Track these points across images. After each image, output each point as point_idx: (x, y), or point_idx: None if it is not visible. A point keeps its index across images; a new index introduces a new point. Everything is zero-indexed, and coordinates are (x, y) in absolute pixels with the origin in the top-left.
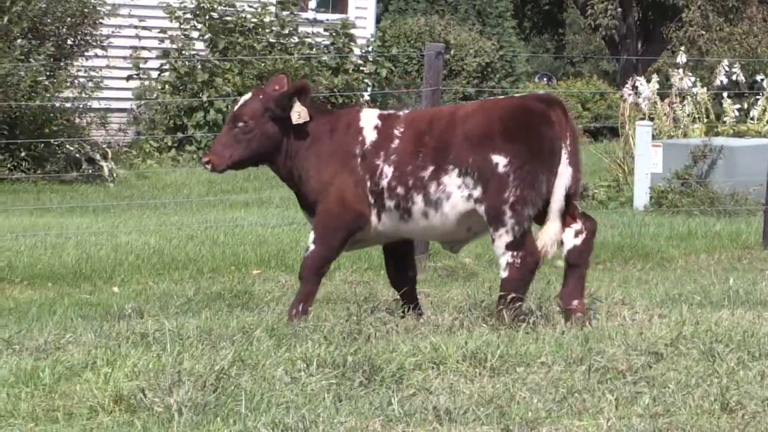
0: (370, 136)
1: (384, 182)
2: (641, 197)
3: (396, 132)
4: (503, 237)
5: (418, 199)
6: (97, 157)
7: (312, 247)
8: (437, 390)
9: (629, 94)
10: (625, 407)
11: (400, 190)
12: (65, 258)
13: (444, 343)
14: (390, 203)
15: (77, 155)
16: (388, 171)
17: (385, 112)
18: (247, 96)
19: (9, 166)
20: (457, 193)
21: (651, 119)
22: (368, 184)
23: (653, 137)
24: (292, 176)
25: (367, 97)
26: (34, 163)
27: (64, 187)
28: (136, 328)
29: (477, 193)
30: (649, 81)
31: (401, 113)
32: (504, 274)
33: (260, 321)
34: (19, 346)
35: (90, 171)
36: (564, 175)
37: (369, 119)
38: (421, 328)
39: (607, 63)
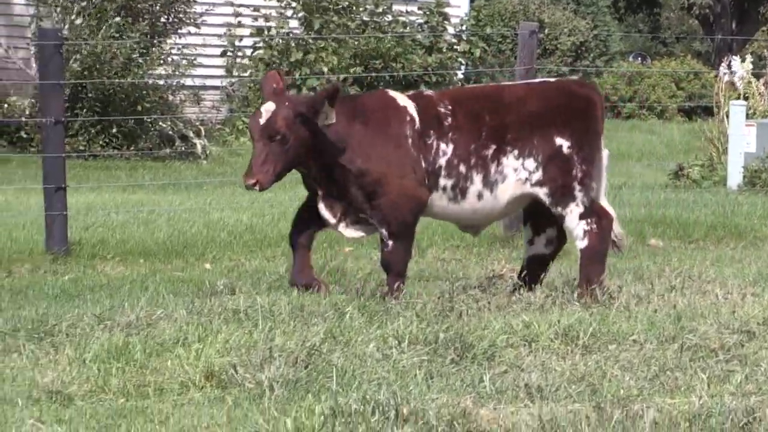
0: (416, 115)
1: (442, 161)
2: (735, 176)
3: (444, 110)
4: (575, 211)
5: (477, 179)
6: (190, 134)
7: (390, 243)
8: (529, 367)
9: (724, 74)
10: (717, 385)
11: (461, 168)
12: (157, 234)
13: (536, 320)
14: (446, 182)
15: (170, 132)
16: (447, 149)
17: (413, 92)
18: (271, 106)
19: (102, 143)
20: (512, 176)
21: (745, 99)
22: (424, 164)
23: (747, 116)
24: (330, 174)
25: (460, 76)
26: (126, 140)
27: (157, 164)
28: (227, 305)
29: (537, 176)
30: (743, 60)
31: (430, 92)
32: (583, 243)
33: (352, 298)
34: (111, 322)
35: (183, 148)
36: (605, 155)
37: (406, 99)
38: (513, 306)
39: (701, 43)
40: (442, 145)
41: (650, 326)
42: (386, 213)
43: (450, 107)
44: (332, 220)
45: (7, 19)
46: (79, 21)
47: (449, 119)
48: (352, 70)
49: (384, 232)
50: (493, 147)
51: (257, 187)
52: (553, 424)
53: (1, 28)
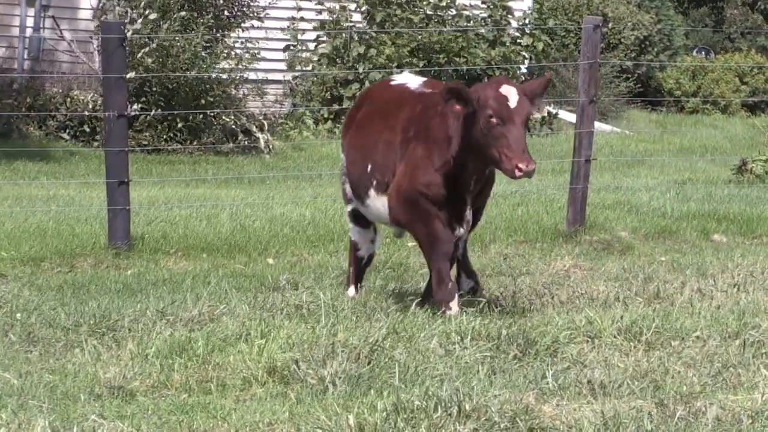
0: None
1: None
2: None
3: None
4: None
5: None
6: (253, 128)
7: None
8: (591, 363)
9: None
10: None
11: None
12: (220, 229)
13: (599, 316)
14: None
15: (233, 126)
16: None
17: None
18: (511, 89)
19: (165, 137)
20: None
21: None
22: None
23: None
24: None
25: (524, 70)
26: (190, 134)
27: (220, 158)
28: (290, 300)
29: None
30: None
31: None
32: None
33: (415, 293)
34: (173, 317)
35: (246, 142)
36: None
37: None
38: (576, 302)
39: (765, 37)
40: None
41: (713, 322)
42: (482, 215)
43: None
44: (464, 228)
45: (71, 12)
46: (152, 16)
47: None
48: (412, 63)
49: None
50: None
51: (534, 173)
52: (616, 421)
53: (66, 22)
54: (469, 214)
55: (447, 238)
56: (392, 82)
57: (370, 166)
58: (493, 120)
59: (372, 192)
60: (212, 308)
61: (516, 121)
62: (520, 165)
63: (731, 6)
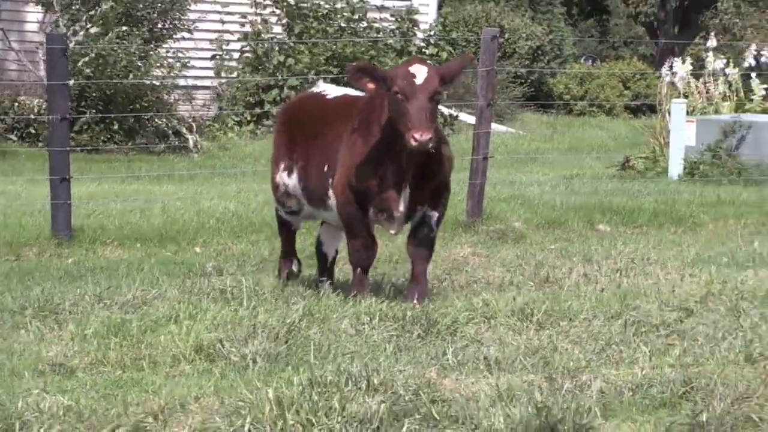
0: None
1: None
2: (676, 168)
3: None
4: None
5: None
6: (183, 130)
7: (436, 231)
8: (488, 342)
9: (666, 75)
10: (658, 358)
11: None
12: (152, 221)
13: (494, 299)
14: None
15: (165, 128)
16: None
17: None
18: (422, 67)
19: (103, 138)
20: None
21: (686, 97)
22: None
23: (687, 113)
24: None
25: None
26: (125, 136)
27: (153, 157)
28: (215, 285)
29: None
30: (684, 63)
31: None
32: None
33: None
34: (109, 300)
35: (176, 143)
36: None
37: None
38: (474, 286)
39: (646, 47)
40: None
41: (598, 304)
42: (444, 204)
43: None
44: (400, 210)
45: (18, 25)
46: (94, 30)
47: None
48: (328, 70)
49: (436, 216)
50: None
51: (431, 143)
52: (509, 393)
53: (15, 34)
54: (401, 205)
55: (367, 254)
56: (321, 93)
57: (326, 167)
58: (399, 96)
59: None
60: (145, 293)
61: (419, 97)
62: (415, 134)
63: (616, 18)
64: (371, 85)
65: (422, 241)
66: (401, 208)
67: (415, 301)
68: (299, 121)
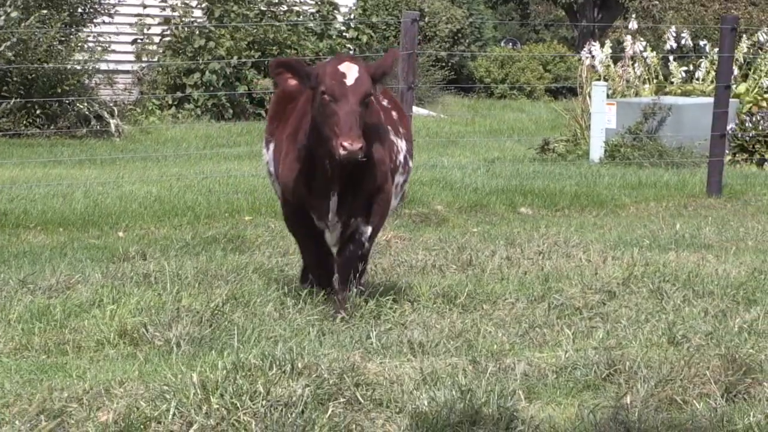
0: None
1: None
2: (597, 150)
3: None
4: None
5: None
6: (105, 114)
7: (368, 246)
8: (411, 325)
9: (586, 58)
10: (582, 340)
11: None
12: (75, 205)
13: (418, 282)
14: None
15: (87, 113)
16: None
17: None
18: (353, 66)
19: (25, 122)
20: None
21: (606, 80)
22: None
23: (608, 96)
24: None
25: None
26: (47, 120)
27: (75, 142)
28: (139, 269)
29: None
30: (603, 46)
31: None
32: None
33: (251, 262)
34: (33, 285)
35: (98, 127)
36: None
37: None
38: (398, 269)
39: (567, 30)
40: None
41: (521, 287)
42: (381, 213)
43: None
44: (334, 220)
45: None
46: (14, 14)
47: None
48: (249, 55)
49: (369, 232)
50: None
51: (361, 153)
52: (434, 376)
53: None
54: (332, 205)
55: (318, 272)
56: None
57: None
58: (326, 97)
59: None
60: (68, 277)
61: (349, 99)
62: (344, 143)
63: (535, 1)
64: (293, 82)
65: (348, 261)
66: (330, 217)
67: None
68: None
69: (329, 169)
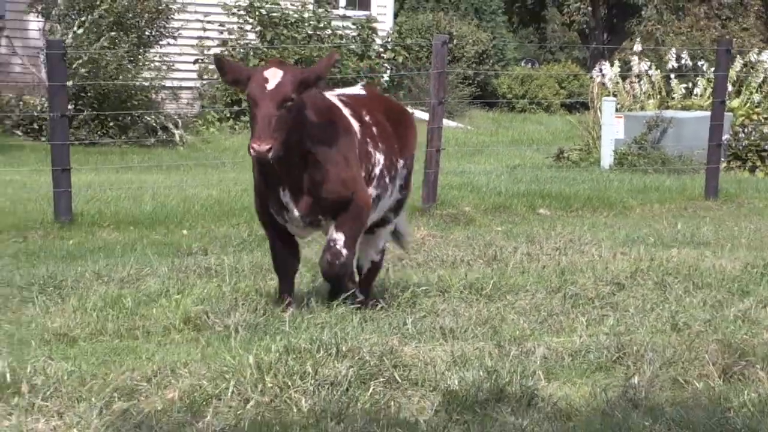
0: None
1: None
2: (607, 158)
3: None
4: None
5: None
6: (170, 125)
7: (345, 252)
8: (443, 313)
9: (597, 76)
10: (594, 327)
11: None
12: (144, 207)
13: (448, 275)
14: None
15: (154, 124)
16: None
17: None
18: (277, 71)
19: (99, 132)
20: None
21: (615, 96)
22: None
23: (616, 110)
24: (305, 165)
25: (386, 78)
26: (119, 131)
27: (143, 150)
28: (201, 263)
29: None
30: (612, 65)
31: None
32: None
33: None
34: (107, 277)
35: (164, 137)
36: None
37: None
38: (430, 263)
39: (579, 51)
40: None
41: (540, 279)
42: (352, 220)
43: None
44: (295, 213)
45: (21, 33)
46: (80, 31)
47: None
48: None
49: (342, 239)
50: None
51: (271, 153)
52: (463, 359)
53: (18, 40)
54: (286, 200)
55: (276, 261)
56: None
57: None
58: (249, 101)
59: None
60: (138, 270)
61: (265, 103)
62: (253, 144)
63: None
64: (229, 77)
65: (326, 270)
66: (294, 212)
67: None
68: None
69: (276, 166)
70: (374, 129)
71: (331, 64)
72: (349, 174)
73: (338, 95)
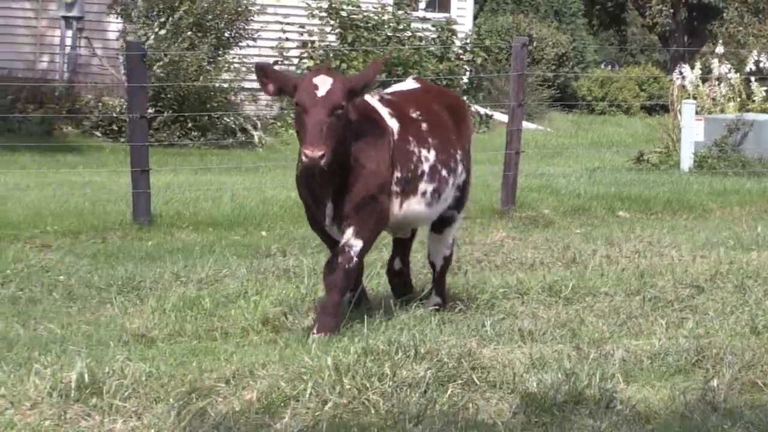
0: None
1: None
2: (686, 161)
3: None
4: None
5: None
6: (249, 127)
7: (356, 260)
8: (521, 315)
9: (677, 78)
10: (673, 330)
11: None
12: (223, 208)
13: (527, 277)
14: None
15: (233, 126)
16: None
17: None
18: (326, 78)
19: (178, 134)
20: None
21: (694, 98)
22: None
23: (696, 113)
24: (345, 171)
25: (465, 80)
26: (198, 132)
27: (222, 152)
28: (279, 265)
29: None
30: (693, 68)
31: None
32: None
33: (379, 259)
34: (185, 278)
35: (243, 138)
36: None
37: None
38: (509, 266)
39: (659, 53)
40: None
41: (619, 282)
42: (370, 226)
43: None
44: (328, 222)
45: (101, 34)
46: (162, 32)
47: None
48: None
49: (359, 246)
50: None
51: (323, 160)
52: (542, 361)
53: (98, 42)
54: (329, 211)
55: (328, 267)
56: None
57: None
58: (299, 108)
59: None
60: (217, 271)
61: (317, 110)
62: (306, 150)
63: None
64: (272, 88)
65: (332, 271)
66: (328, 221)
67: (313, 332)
68: None
69: (318, 176)
70: (423, 125)
71: (377, 72)
72: (377, 181)
73: (381, 95)
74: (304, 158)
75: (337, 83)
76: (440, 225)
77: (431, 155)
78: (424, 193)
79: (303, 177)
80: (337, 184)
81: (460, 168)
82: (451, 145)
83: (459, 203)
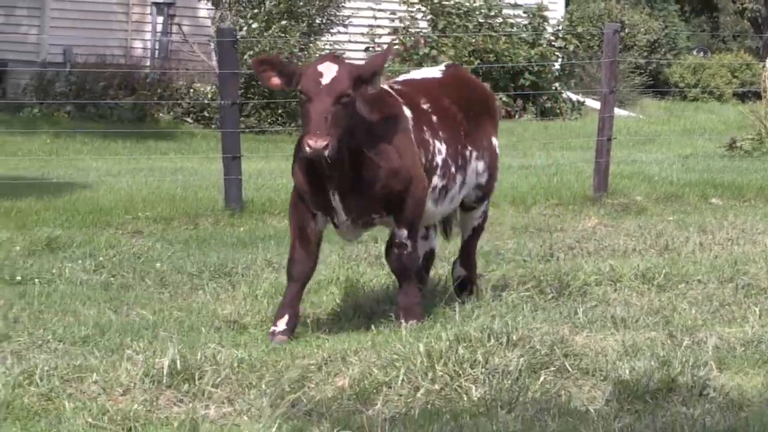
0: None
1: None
2: None
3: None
4: None
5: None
6: None
7: (409, 244)
8: (614, 302)
9: None
10: (766, 317)
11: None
12: None
13: (620, 264)
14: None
15: None
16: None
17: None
18: (332, 65)
19: (269, 120)
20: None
21: None
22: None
23: None
24: (357, 163)
25: (557, 66)
26: (289, 118)
27: None
28: (371, 251)
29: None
30: None
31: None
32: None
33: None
34: (277, 265)
35: None
36: None
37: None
38: (601, 253)
39: (752, 40)
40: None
41: (712, 269)
42: (412, 212)
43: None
44: (343, 217)
45: (192, 20)
46: (255, 25)
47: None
48: (469, 61)
49: (404, 233)
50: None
51: (328, 151)
52: (634, 348)
53: (189, 28)
54: (336, 205)
55: (292, 264)
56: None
57: None
58: (302, 96)
59: None
60: None
61: (323, 99)
62: (309, 141)
63: (725, 14)
64: (276, 80)
65: (398, 267)
66: (342, 216)
67: (401, 320)
68: None
69: (324, 166)
70: (434, 117)
71: (386, 59)
72: (402, 165)
73: (393, 83)
74: (306, 149)
75: (342, 71)
76: (464, 208)
77: (443, 149)
78: (435, 188)
79: (303, 165)
80: (351, 178)
81: (471, 169)
82: (460, 142)
83: (477, 202)
